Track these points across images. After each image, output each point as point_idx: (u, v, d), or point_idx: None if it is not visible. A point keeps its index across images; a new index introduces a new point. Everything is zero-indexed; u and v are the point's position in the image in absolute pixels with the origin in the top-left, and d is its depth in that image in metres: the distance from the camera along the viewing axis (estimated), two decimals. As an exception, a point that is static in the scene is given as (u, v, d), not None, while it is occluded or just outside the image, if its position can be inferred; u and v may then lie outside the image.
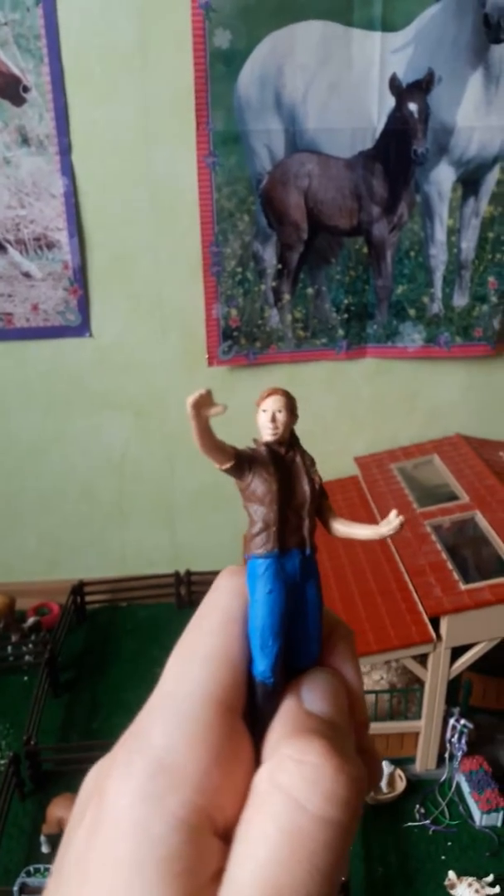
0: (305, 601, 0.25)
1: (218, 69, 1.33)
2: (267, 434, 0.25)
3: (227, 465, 0.24)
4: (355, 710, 0.24)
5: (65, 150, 1.37)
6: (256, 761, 0.22)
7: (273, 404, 0.25)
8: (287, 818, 0.20)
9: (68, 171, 1.38)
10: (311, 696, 0.24)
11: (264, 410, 0.25)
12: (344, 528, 0.27)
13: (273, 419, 0.25)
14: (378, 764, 0.26)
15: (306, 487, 0.25)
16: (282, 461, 0.25)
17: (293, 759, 0.21)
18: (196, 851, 0.20)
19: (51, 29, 1.30)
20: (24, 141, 1.36)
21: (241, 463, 0.25)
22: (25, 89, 1.33)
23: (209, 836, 0.20)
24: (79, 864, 0.20)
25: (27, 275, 1.44)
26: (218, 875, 0.20)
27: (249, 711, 0.23)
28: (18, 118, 1.35)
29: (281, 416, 0.25)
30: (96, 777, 0.23)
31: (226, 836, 0.21)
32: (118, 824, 0.20)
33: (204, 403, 0.23)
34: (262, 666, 0.23)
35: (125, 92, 1.35)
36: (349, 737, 0.23)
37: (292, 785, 0.21)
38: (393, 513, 0.26)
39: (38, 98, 1.34)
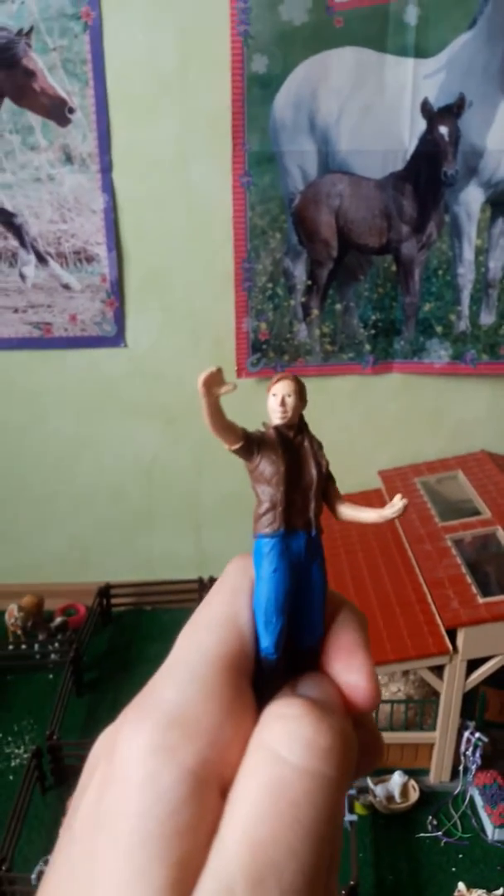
0: (310, 581, 0.25)
1: (254, 92, 1.38)
2: (276, 417, 0.26)
3: (237, 446, 0.25)
4: (355, 681, 0.24)
5: (106, 168, 1.43)
6: None
7: (283, 388, 0.25)
8: (268, 771, 0.20)
9: (109, 188, 1.44)
10: (305, 685, 0.24)
11: (274, 395, 0.26)
12: (350, 512, 0.27)
13: (283, 403, 0.25)
14: (377, 737, 0.26)
15: (313, 471, 0.26)
16: (290, 444, 0.26)
17: (276, 716, 0.22)
18: (200, 807, 0.20)
19: (96, 54, 1.37)
20: (68, 159, 1.43)
21: (250, 444, 0.25)
22: (71, 110, 1.40)
23: (214, 792, 0.20)
24: (89, 818, 0.21)
25: (67, 287, 1.51)
26: (214, 833, 0.20)
27: (254, 685, 0.23)
28: (63, 137, 1.41)
29: (290, 401, 0.25)
30: (105, 739, 0.23)
31: (225, 794, 0.21)
32: (129, 777, 0.20)
33: (214, 381, 0.24)
34: (265, 642, 0.24)
35: (165, 113, 1.41)
36: (336, 711, 0.23)
37: (275, 739, 0.21)
38: (397, 496, 0.27)
39: (83, 119, 1.40)
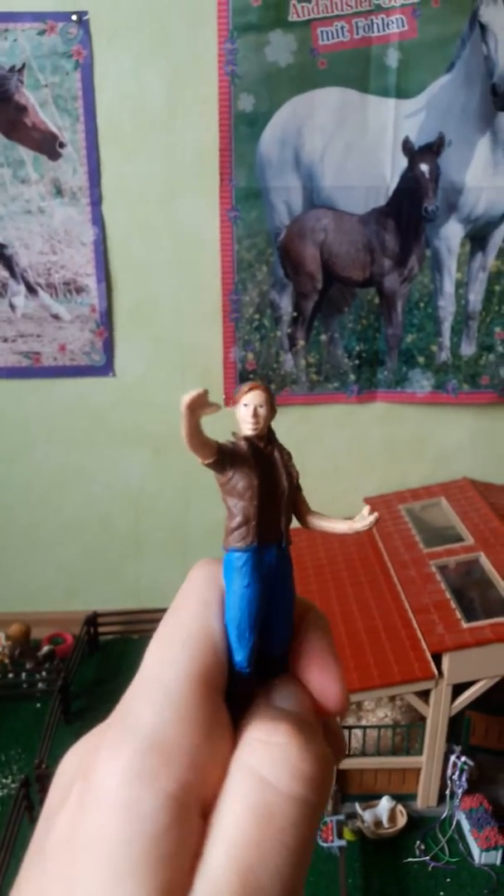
0: (280, 592, 0.25)
1: (241, 130, 1.43)
2: (247, 428, 0.25)
3: (211, 460, 0.24)
4: (325, 687, 0.25)
5: (96, 201, 1.46)
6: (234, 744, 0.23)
7: (254, 398, 0.25)
8: (256, 796, 0.21)
9: (98, 220, 1.47)
10: (280, 696, 0.24)
11: (245, 405, 0.25)
12: (319, 522, 0.27)
13: (255, 413, 0.25)
14: (341, 738, 0.26)
15: (284, 482, 0.26)
16: (261, 455, 0.25)
17: (261, 741, 0.22)
18: (182, 831, 0.20)
19: (87, 91, 1.41)
20: (59, 192, 1.45)
21: (223, 457, 0.25)
22: (61, 145, 1.43)
23: (195, 816, 0.20)
24: (65, 844, 0.20)
25: (56, 317, 1.53)
26: (198, 856, 0.20)
27: (226, 696, 0.24)
28: (54, 171, 1.44)
29: (262, 411, 0.25)
30: (79, 759, 0.23)
31: (206, 816, 0.21)
32: (107, 802, 0.20)
33: (199, 403, 0.24)
34: (239, 656, 0.24)
35: (154, 149, 1.44)
36: (314, 727, 0.24)
37: (261, 764, 0.21)
38: (366, 508, 0.26)
39: (73, 153, 1.44)
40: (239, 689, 0.24)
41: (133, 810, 0.20)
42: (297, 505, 0.26)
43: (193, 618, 0.24)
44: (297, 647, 0.26)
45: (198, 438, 0.24)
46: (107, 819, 0.20)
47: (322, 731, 0.24)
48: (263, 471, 0.25)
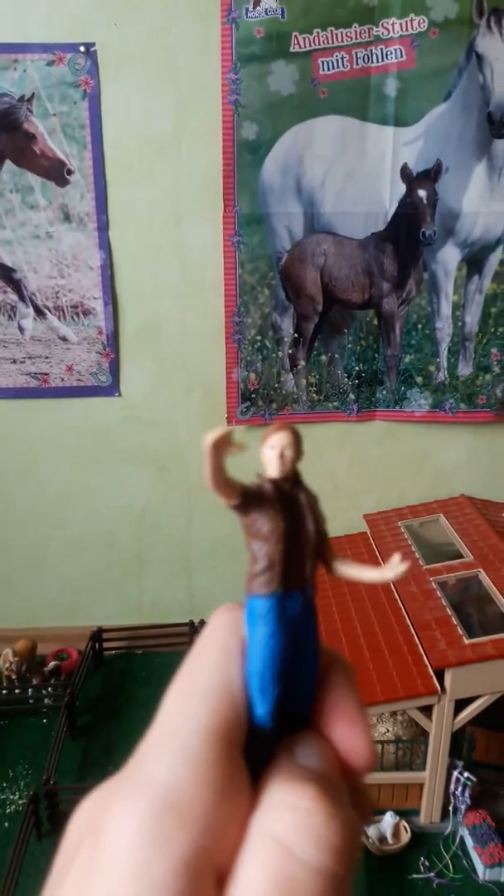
0: (304, 642, 0.24)
1: (244, 157, 1.46)
2: (274, 470, 0.24)
3: (235, 502, 0.24)
4: (353, 743, 0.24)
5: (103, 226, 1.50)
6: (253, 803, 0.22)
7: (281, 440, 0.24)
8: (278, 867, 0.19)
9: (105, 245, 1.51)
10: (304, 752, 0.23)
11: (272, 447, 0.24)
12: (347, 570, 0.26)
13: (281, 456, 0.24)
14: (367, 798, 0.25)
15: (310, 526, 0.25)
16: (287, 498, 0.24)
17: (285, 805, 0.21)
18: None
19: (94, 120, 1.44)
20: (66, 218, 1.49)
21: (248, 500, 0.24)
22: (69, 172, 1.47)
23: (210, 884, 0.19)
24: None
25: (64, 339, 1.56)
26: None
27: (246, 750, 0.22)
28: (62, 197, 1.48)
29: (289, 453, 0.24)
30: (90, 815, 0.21)
31: (221, 883, 0.20)
32: (118, 866, 0.19)
33: (223, 443, 0.23)
34: (261, 710, 0.23)
35: (159, 176, 1.48)
36: (341, 789, 0.22)
37: (284, 831, 0.20)
38: (397, 557, 0.25)
39: (81, 180, 1.47)
40: (259, 744, 0.23)
41: (144, 876, 0.18)
42: (323, 551, 0.25)
43: (214, 668, 0.23)
44: (322, 700, 0.24)
45: (221, 478, 0.23)
46: (116, 884, 0.19)
47: (347, 791, 0.23)
48: (289, 514, 0.24)
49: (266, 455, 0.24)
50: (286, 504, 0.24)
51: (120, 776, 0.21)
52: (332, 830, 0.20)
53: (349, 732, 0.24)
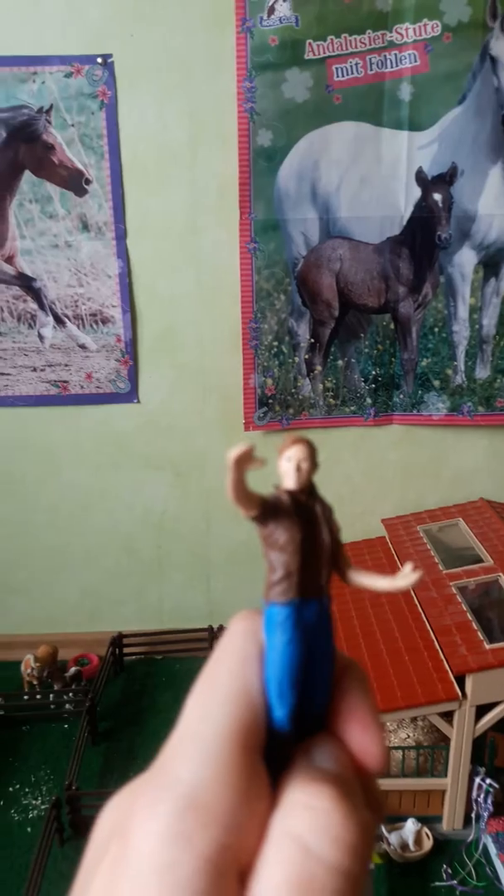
0: (320, 648, 0.25)
1: (260, 164, 1.47)
2: (291, 482, 0.25)
3: (254, 514, 0.25)
4: (367, 746, 0.25)
5: (121, 235, 1.51)
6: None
7: (298, 453, 0.25)
8: (297, 865, 0.20)
9: (123, 254, 1.52)
10: (321, 754, 0.24)
11: (288, 459, 0.25)
12: (361, 578, 0.27)
13: (298, 468, 0.25)
14: (380, 798, 0.26)
15: (326, 536, 0.26)
16: (303, 509, 0.25)
17: (304, 805, 0.21)
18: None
19: (112, 129, 1.46)
20: (85, 227, 1.51)
21: (266, 511, 0.25)
22: (87, 182, 1.48)
23: (232, 881, 0.20)
24: None
25: (83, 346, 1.58)
26: None
27: (265, 753, 0.23)
28: (80, 207, 1.50)
29: (305, 466, 0.25)
30: (116, 816, 0.22)
31: (243, 880, 0.20)
32: (144, 865, 0.20)
33: (245, 459, 0.24)
34: (279, 714, 0.24)
35: (176, 184, 1.49)
36: (357, 790, 0.23)
37: (303, 830, 0.21)
38: (409, 566, 0.26)
39: (99, 189, 1.49)
40: (278, 746, 0.24)
41: (170, 874, 0.19)
42: (337, 560, 0.26)
43: (233, 674, 0.24)
44: (337, 705, 0.25)
45: (242, 492, 0.24)
46: (143, 883, 0.19)
47: (362, 792, 0.23)
48: (305, 525, 0.25)
49: (283, 467, 0.25)
50: (302, 515, 0.25)
51: (144, 778, 0.22)
52: (348, 830, 0.21)
53: (363, 736, 0.24)
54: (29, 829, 1.31)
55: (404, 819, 1.27)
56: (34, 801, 1.37)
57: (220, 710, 0.23)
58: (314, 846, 0.20)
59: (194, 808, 0.20)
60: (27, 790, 1.40)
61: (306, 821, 0.21)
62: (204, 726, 0.22)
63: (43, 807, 1.34)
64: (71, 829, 1.30)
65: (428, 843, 1.26)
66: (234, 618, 0.26)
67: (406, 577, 0.26)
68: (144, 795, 0.21)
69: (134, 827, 0.20)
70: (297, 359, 1.60)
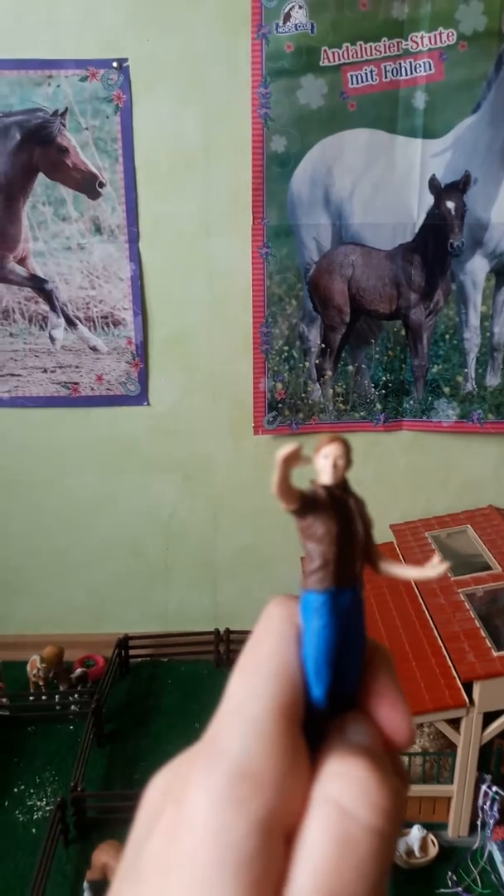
0: (353, 632, 0.27)
1: (273, 170, 1.48)
2: (327, 478, 0.27)
3: (294, 507, 0.26)
4: (395, 723, 0.26)
5: (133, 238, 1.52)
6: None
7: (335, 451, 0.27)
8: (337, 827, 0.22)
9: (136, 257, 1.53)
10: (354, 730, 0.26)
11: (325, 456, 0.27)
12: (391, 568, 0.28)
13: (334, 465, 0.27)
14: (405, 774, 0.28)
15: (359, 528, 0.27)
16: (339, 503, 0.27)
17: (342, 774, 0.23)
18: (269, 856, 0.21)
19: (126, 133, 1.47)
20: (98, 230, 1.51)
21: (305, 505, 0.26)
22: (101, 185, 1.49)
23: (280, 841, 0.22)
24: (160, 863, 0.22)
25: (94, 349, 1.58)
26: (281, 880, 0.21)
27: (304, 728, 0.25)
28: (93, 210, 1.50)
29: (342, 463, 0.27)
30: (167, 785, 0.24)
31: (289, 842, 0.22)
32: (200, 828, 0.21)
33: (293, 458, 0.26)
34: (316, 692, 0.25)
35: (189, 189, 1.50)
36: (387, 762, 0.25)
37: (341, 796, 0.23)
38: (437, 557, 0.28)
39: (112, 193, 1.49)
40: (315, 722, 0.25)
41: (224, 835, 0.21)
42: (369, 551, 0.28)
43: (274, 653, 0.26)
44: (367, 685, 0.27)
45: (286, 487, 0.26)
46: (199, 843, 0.21)
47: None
48: (340, 517, 0.27)
49: (320, 464, 0.27)
50: (338, 508, 0.27)
51: (194, 750, 0.24)
52: (382, 795, 0.23)
53: (391, 713, 0.26)
54: (34, 830, 1.31)
55: (410, 825, 1.27)
56: (39, 802, 1.37)
57: (264, 687, 0.24)
58: (352, 809, 0.22)
59: (244, 776, 0.22)
60: (32, 791, 1.40)
61: (344, 787, 0.23)
62: (250, 701, 0.24)
63: (48, 808, 1.34)
64: (76, 830, 1.30)
65: (433, 850, 1.25)
66: (270, 602, 0.27)
67: (435, 567, 0.27)
68: (198, 765, 0.23)
69: (189, 793, 0.22)
70: (307, 364, 1.61)
